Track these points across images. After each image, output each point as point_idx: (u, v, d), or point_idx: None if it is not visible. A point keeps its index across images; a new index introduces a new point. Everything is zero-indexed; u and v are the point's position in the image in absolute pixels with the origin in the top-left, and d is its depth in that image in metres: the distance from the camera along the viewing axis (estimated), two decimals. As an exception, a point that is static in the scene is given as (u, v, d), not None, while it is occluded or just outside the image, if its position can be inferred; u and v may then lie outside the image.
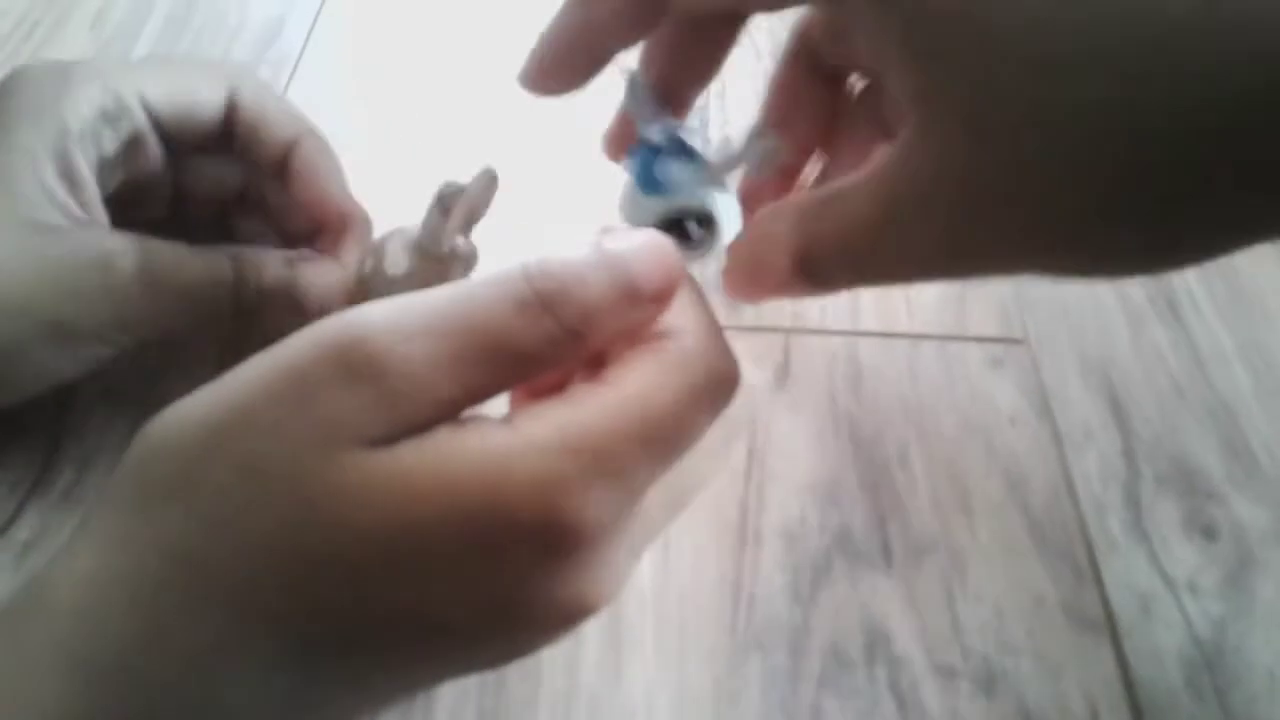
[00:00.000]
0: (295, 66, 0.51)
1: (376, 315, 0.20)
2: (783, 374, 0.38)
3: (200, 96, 0.34)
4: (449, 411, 0.20)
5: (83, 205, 0.31)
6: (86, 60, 0.34)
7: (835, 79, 0.31)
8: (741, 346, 0.39)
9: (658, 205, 0.33)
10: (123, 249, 0.31)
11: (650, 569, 0.33)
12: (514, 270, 0.21)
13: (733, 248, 0.28)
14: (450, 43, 0.53)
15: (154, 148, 0.34)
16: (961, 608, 0.32)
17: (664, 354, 0.22)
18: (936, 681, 0.30)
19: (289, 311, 0.33)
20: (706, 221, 0.34)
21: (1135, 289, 0.42)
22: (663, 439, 0.21)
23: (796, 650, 0.31)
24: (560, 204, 0.44)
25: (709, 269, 0.38)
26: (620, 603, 0.32)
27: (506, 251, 0.42)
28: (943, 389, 0.38)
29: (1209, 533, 0.34)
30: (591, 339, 0.22)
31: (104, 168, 0.32)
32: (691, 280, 0.25)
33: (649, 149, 0.33)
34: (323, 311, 0.32)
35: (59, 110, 0.31)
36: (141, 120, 0.33)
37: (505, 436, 0.20)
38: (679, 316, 0.23)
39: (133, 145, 0.33)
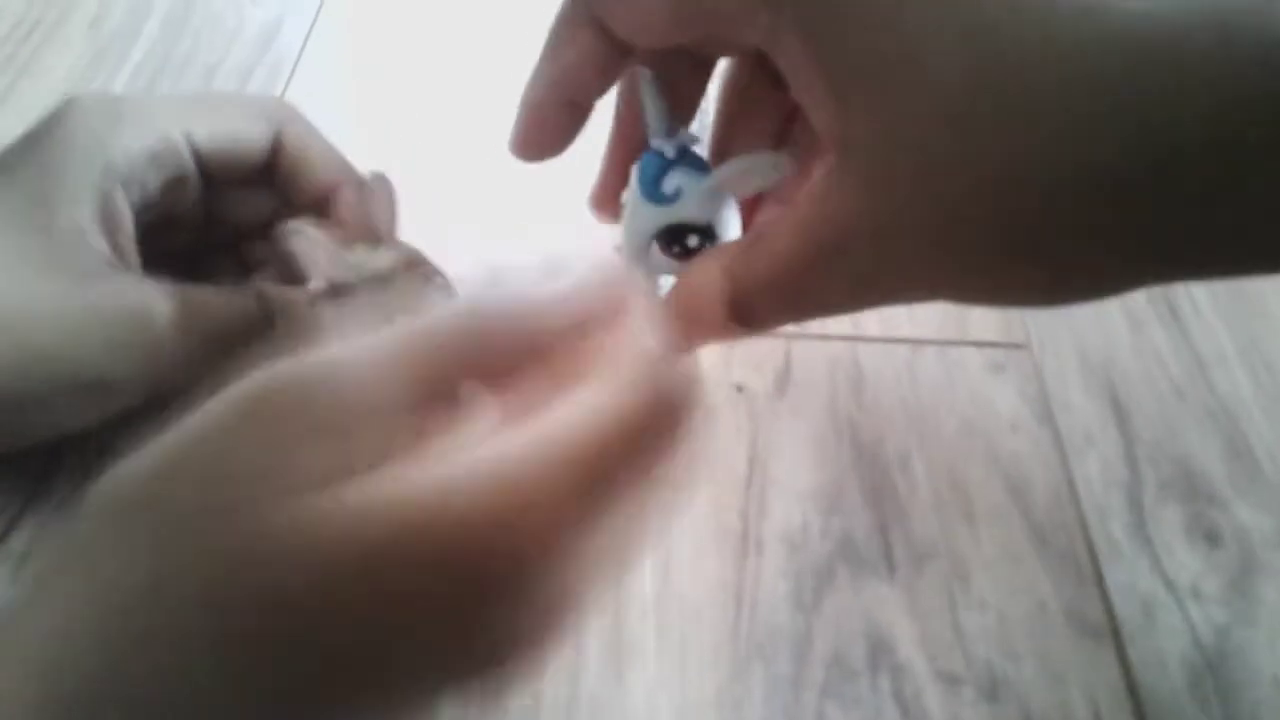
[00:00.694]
0: (294, 69, 0.51)
1: (323, 355, 0.20)
2: (784, 380, 0.38)
3: (247, 137, 0.34)
4: (401, 445, 0.20)
5: (116, 247, 0.31)
6: (137, 96, 0.34)
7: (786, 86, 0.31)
8: (742, 353, 0.39)
9: (660, 215, 0.33)
10: (158, 299, 0.30)
11: (651, 577, 0.33)
12: (462, 304, 0.22)
13: (666, 301, 0.29)
14: (448, 44, 0.53)
15: (194, 186, 0.34)
16: (964, 614, 0.32)
17: (607, 383, 0.21)
18: (940, 689, 0.30)
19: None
20: (706, 234, 0.34)
21: (1135, 292, 0.42)
22: (599, 474, 0.20)
23: (799, 658, 0.31)
24: (557, 203, 0.44)
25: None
26: (622, 611, 0.32)
27: (503, 249, 0.42)
28: (944, 394, 0.38)
29: (1212, 538, 0.34)
30: (540, 365, 0.22)
31: (144, 207, 0.32)
32: (645, 302, 0.25)
33: (659, 158, 0.33)
34: None
35: (107, 149, 0.31)
36: (187, 161, 0.33)
37: (439, 475, 0.20)
38: (628, 342, 0.23)
39: (174, 185, 0.33)
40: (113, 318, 0.30)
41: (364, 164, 0.40)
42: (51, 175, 0.31)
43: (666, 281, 0.38)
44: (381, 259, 0.32)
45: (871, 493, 0.35)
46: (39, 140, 0.32)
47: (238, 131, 0.34)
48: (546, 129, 0.29)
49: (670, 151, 0.32)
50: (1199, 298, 0.41)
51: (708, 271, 0.26)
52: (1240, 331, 0.40)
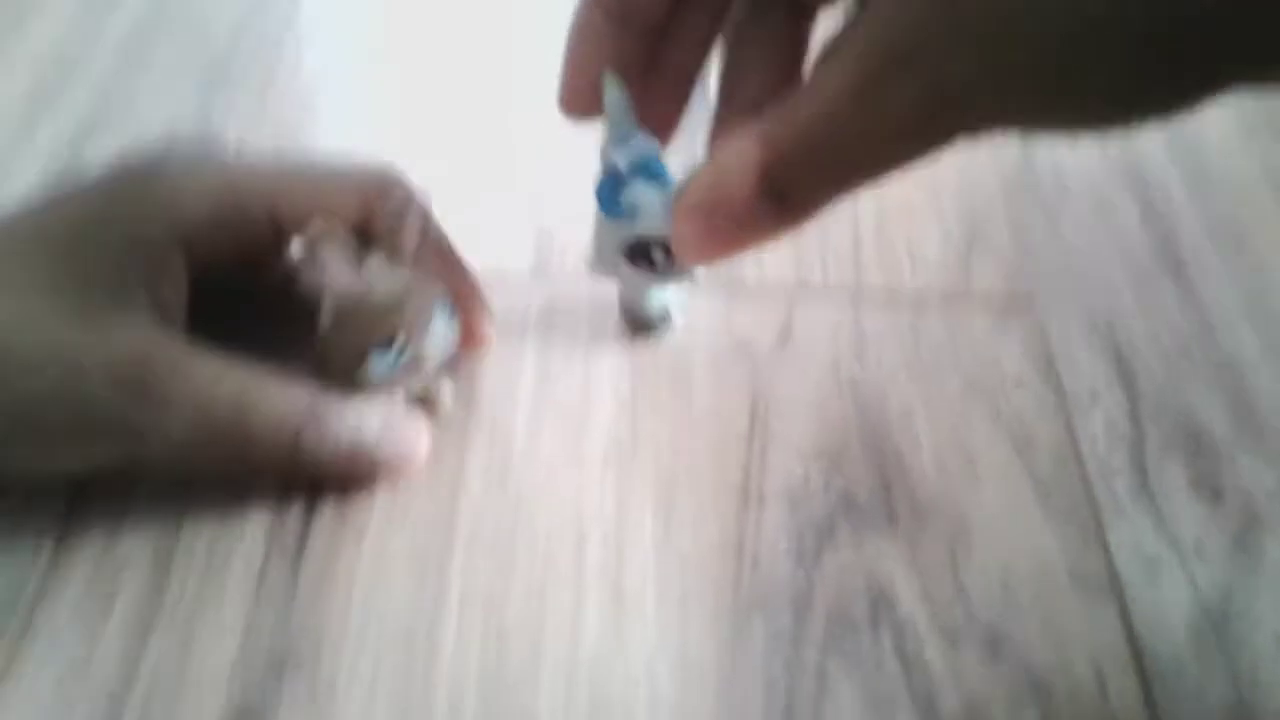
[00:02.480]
0: (280, 57, 0.50)
1: None
2: (785, 336, 0.38)
3: (333, 211, 0.33)
4: None
5: (161, 301, 0.31)
6: (230, 157, 0.34)
7: (800, 15, 0.28)
8: (744, 308, 0.38)
9: (623, 230, 0.32)
10: (156, 355, 0.30)
11: (651, 532, 0.32)
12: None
13: (689, 183, 0.26)
14: (441, 31, 0.52)
15: (269, 248, 0.34)
16: (966, 571, 0.32)
17: None
18: (941, 645, 0.30)
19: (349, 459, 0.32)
20: (669, 248, 0.33)
21: (1140, 247, 0.41)
22: None
23: (800, 614, 0.31)
24: (556, 198, 0.43)
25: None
26: (622, 567, 0.31)
27: (504, 242, 0.41)
28: (947, 350, 0.38)
29: (1215, 494, 0.34)
30: None
31: (213, 268, 0.32)
32: None
33: (613, 173, 0.32)
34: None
35: (176, 203, 0.31)
36: (262, 230, 0.33)
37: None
38: None
39: (245, 247, 0.33)
40: (98, 356, 0.29)
41: (348, 148, 0.39)
42: (114, 214, 0.31)
43: (656, 293, 0.37)
44: (394, 280, 0.32)
45: (873, 449, 0.35)
46: (123, 173, 0.32)
47: (324, 205, 0.33)
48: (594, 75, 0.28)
49: (624, 164, 0.31)
50: (1204, 252, 0.41)
51: (739, 141, 0.24)
52: (1246, 288, 0.40)
